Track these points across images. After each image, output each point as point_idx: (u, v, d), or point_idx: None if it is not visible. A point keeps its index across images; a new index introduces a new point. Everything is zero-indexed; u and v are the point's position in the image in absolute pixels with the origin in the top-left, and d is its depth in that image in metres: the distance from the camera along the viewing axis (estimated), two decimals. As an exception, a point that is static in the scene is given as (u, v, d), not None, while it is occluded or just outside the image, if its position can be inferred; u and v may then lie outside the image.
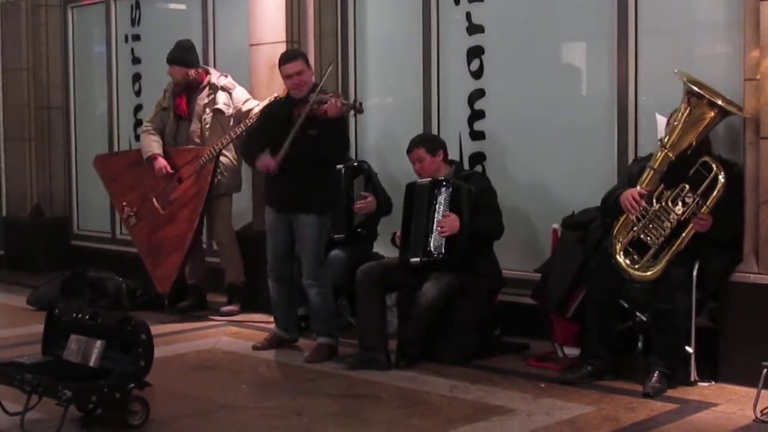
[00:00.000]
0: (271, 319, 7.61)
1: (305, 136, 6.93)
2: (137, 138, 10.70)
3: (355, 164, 8.02)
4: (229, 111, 8.58)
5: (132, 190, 9.03)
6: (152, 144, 8.73)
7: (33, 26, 11.63)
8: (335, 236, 7.64)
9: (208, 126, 8.59)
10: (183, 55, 8.73)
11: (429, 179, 6.97)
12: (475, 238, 6.84)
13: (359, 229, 7.86)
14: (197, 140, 8.65)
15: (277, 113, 7.29)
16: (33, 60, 11.65)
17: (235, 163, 8.71)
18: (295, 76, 7.10)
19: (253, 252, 8.55)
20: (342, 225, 7.74)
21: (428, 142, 7.19)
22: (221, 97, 8.62)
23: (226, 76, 8.76)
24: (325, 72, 7.49)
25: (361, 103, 7.13)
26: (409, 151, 7.16)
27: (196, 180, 8.54)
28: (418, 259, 6.87)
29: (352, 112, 7.04)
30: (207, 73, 8.77)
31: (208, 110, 8.61)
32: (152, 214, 8.84)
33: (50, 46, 11.71)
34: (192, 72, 8.67)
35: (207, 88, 8.66)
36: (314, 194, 7.05)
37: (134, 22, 10.92)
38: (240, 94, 8.64)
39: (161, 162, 8.64)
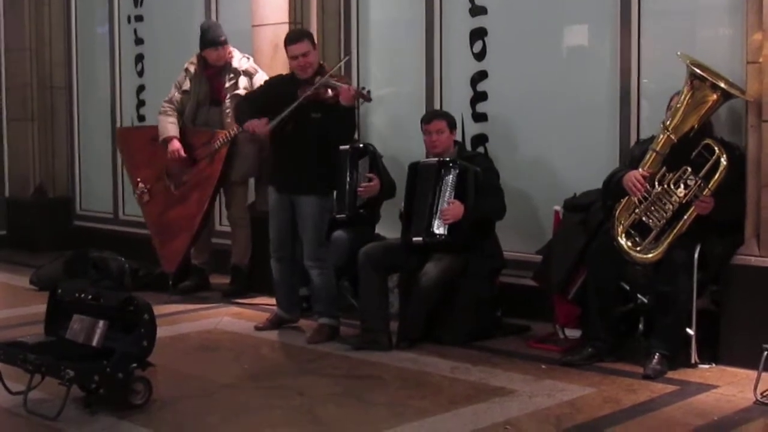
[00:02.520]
0: (273, 300, 7.62)
1: (308, 119, 6.92)
2: (140, 118, 10.73)
3: (361, 146, 8.00)
4: None
5: (147, 166, 8.98)
6: (168, 126, 8.66)
7: (36, 6, 11.62)
8: (337, 216, 7.63)
9: (228, 111, 8.53)
10: (224, 32, 8.65)
11: (436, 159, 6.97)
12: (477, 219, 6.85)
13: (361, 210, 7.85)
14: (217, 125, 8.61)
15: (280, 88, 7.23)
16: (36, 40, 11.64)
17: (252, 149, 8.70)
18: (300, 57, 7.03)
19: (255, 232, 8.56)
20: (344, 205, 7.73)
21: (449, 117, 7.20)
22: (242, 82, 8.55)
23: (248, 58, 8.67)
24: (338, 64, 7.50)
25: (369, 91, 7.01)
26: (428, 121, 7.11)
27: (210, 163, 8.51)
28: (420, 239, 6.87)
29: (360, 100, 6.96)
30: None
31: (229, 95, 8.56)
32: (165, 193, 8.82)
33: (53, 26, 11.71)
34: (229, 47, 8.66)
35: (229, 71, 8.61)
36: (316, 176, 7.05)
37: (137, 2, 10.91)
38: (259, 81, 8.45)
39: (175, 145, 8.58)
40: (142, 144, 9.14)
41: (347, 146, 7.67)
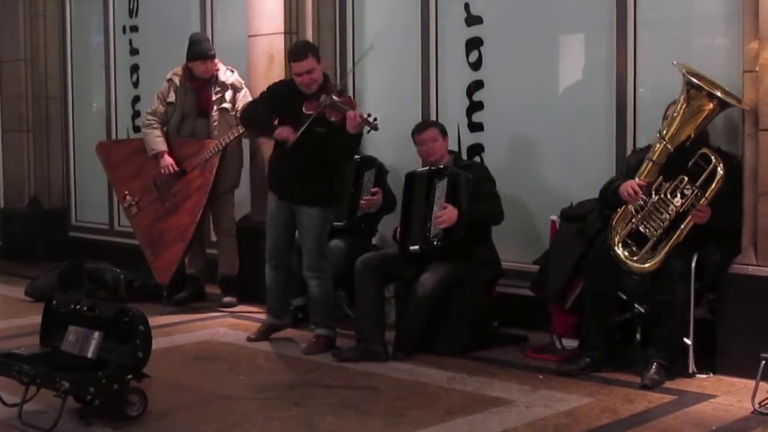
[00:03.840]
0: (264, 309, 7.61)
1: (312, 132, 6.82)
2: (135, 129, 10.70)
3: (368, 156, 7.99)
4: (232, 111, 8.55)
5: (134, 178, 8.97)
6: (157, 141, 8.66)
7: (31, 17, 11.62)
8: (335, 223, 7.61)
9: (216, 123, 8.56)
10: (212, 46, 8.71)
11: (428, 168, 6.99)
12: (474, 224, 6.85)
13: (362, 224, 7.85)
14: (203, 136, 8.61)
15: (285, 98, 7.06)
16: (31, 51, 11.64)
17: (236, 160, 8.72)
18: (304, 74, 6.88)
19: (250, 243, 8.54)
20: (344, 213, 7.73)
21: (439, 124, 7.29)
22: (229, 96, 8.59)
23: (233, 71, 8.70)
24: (358, 59, 7.43)
25: (375, 119, 6.72)
26: (420, 131, 7.17)
27: (201, 173, 8.50)
28: (417, 247, 6.87)
29: (366, 128, 6.79)
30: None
31: (215, 107, 8.58)
32: (154, 204, 8.79)
33: (48, 37, 11.70)
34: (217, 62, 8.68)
35: (216, 84, 8.61)
36: (318, 187, 6.99)
37: (132, 12, 10.90)
38: (243, 99, 8.51)
39: (168, 160, 8.59)
40: (125, 156, 9.14)
41: (356, 156, 7.66)
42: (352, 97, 6.69)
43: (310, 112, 6.81)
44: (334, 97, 6.78)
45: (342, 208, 7.67)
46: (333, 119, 6.73)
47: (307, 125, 6.80)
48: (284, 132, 6.94)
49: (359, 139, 6.97)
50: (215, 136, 8.52)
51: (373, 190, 7.77)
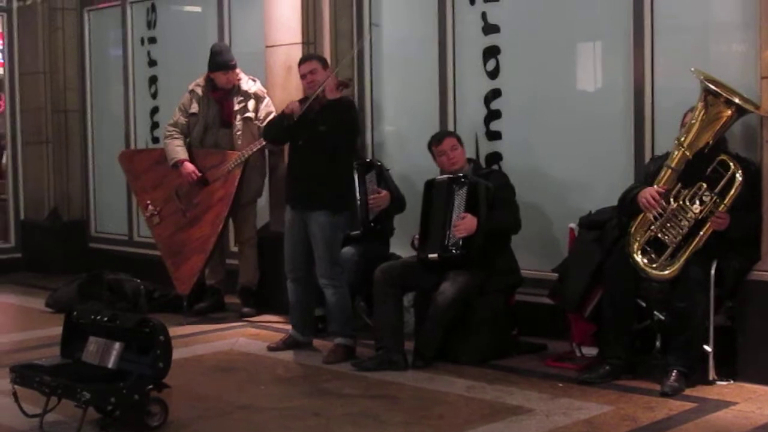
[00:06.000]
0: (281, 318, 7.60)
1: (317, 133, 6.98)
2: (154, 140, 10.74)
3: (367, 160, 8.06)
4: (256, 120, 8.57)
5: (156, 189, 8.97)
6: (177, 150, 8.68)
7: (50, 30, 11.67)
8: (352, 233, 7.63)
9: (239, 133, 8.58)
10: (233, 56, 8.74)
11: (447, 176, 7.00)
12: (492, 233, 6.85)
13: (373, 224, 7.86)
14: (227, 147, 8.63)
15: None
16: (50, 63, 11.70)
17: (258, 170, 8.75)
18: (308, 75, 7.21)
19: (270, 253, 8.56)
20: (357, 221, 7.75)
21: (456, 133, 7.35)
22: (251, 105, 8.63)
23: (255, 81, 8.73)
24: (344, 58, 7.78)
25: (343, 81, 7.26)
26: (439, 142, 7.18)
27: (223, 184, 8.51)
28: (436, 255, 6.88)
29: (341, 87, 7.10)
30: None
31: (239, 117, 8.61)
32: (176, 215, 8.79)
33: (67, 50, 11.75)
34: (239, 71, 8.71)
35: (238, 94, 8.65)
36: (326, 192, 7.06)
37: (150, 24, 10.95)
38: (266, 108, 8.58)
39: (189, 167, 8.60)
40: (147, 166, 9.14)
41: (354, 162, 7.71)
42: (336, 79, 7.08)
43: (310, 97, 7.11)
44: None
45: (354, 216, 7.68)
46: (327, 97, 6.96)
47: (310, 124, 7.02)
48: (290, 105, 7.22)
49: (347, 117, 7.12)
50: (239, 145, 8.53)
51: (376, 189, 7.81)
